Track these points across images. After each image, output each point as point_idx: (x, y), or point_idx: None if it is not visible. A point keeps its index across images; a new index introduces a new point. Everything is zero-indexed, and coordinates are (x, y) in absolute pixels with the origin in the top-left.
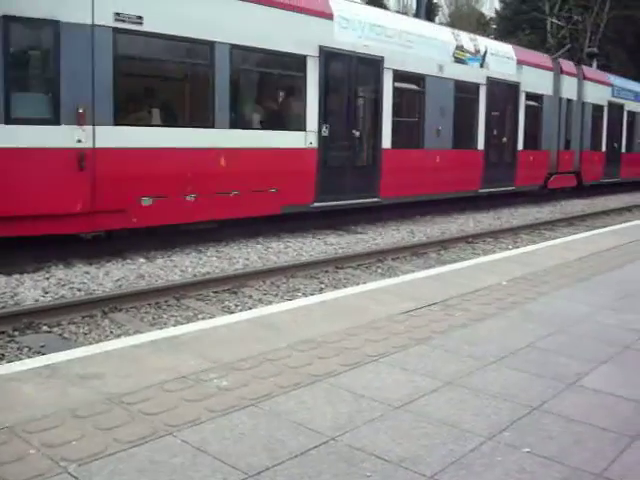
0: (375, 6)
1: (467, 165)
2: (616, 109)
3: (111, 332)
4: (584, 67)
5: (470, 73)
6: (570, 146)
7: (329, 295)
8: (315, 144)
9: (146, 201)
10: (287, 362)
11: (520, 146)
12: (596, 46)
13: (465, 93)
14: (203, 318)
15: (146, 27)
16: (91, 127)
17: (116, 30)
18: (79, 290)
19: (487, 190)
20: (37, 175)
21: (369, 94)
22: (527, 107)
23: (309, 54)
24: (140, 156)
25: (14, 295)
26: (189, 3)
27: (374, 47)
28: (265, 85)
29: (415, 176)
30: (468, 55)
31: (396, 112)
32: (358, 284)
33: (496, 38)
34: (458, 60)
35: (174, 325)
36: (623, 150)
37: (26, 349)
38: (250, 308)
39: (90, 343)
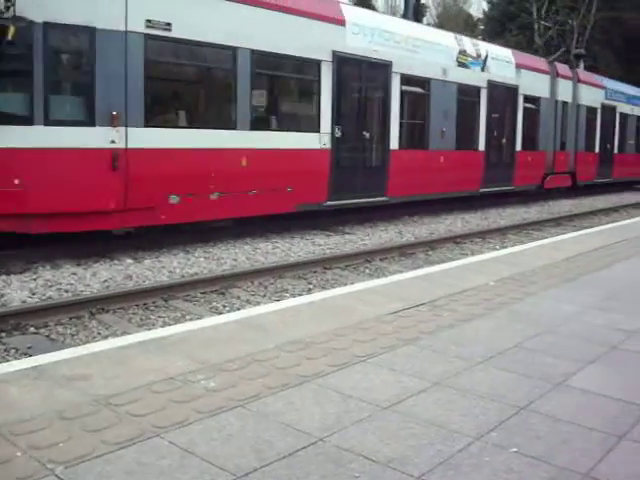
0: (363, 7)
1: (469, 165)
2: (609, 111)
3: (98, 333)
4: (578, 70)
5: (472, 77)
6: (565, 147)
7: (317, 296)
8: (328, 145)
9: (174, 199)
10: (275, 363)
11: (518, 147)
12: (583, 47)
13: (467, 96)
14: (191, 319)
15: (174, 33)
16: (124, 128)
17: (147, 36)
18: (66, 291)
19: (487, 190)
20: (73, 174)
21: (378, 97)
22: (525, 109)
23: (323, 59)
24: (168, 156)
25: (1, 296)
26: (214, 10)
27: (383, 52)
28: (282, 88)
29: (420, 176)
30: (470, 59)
31: (403, 114)
32: (346, 285)
33: (484, 39)
34: (461, 64)
35: (162, 326)
36: (615, 151)
37: (13, 350)
38: (238, 309)
39: (77, 344)
